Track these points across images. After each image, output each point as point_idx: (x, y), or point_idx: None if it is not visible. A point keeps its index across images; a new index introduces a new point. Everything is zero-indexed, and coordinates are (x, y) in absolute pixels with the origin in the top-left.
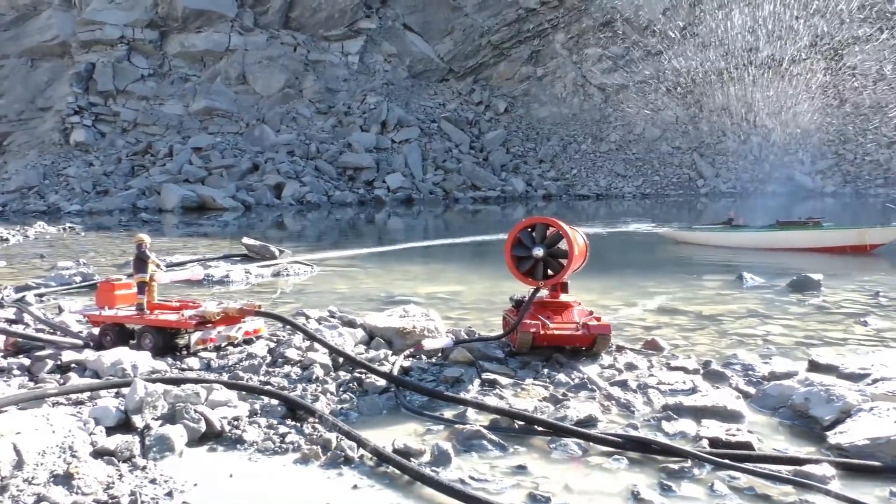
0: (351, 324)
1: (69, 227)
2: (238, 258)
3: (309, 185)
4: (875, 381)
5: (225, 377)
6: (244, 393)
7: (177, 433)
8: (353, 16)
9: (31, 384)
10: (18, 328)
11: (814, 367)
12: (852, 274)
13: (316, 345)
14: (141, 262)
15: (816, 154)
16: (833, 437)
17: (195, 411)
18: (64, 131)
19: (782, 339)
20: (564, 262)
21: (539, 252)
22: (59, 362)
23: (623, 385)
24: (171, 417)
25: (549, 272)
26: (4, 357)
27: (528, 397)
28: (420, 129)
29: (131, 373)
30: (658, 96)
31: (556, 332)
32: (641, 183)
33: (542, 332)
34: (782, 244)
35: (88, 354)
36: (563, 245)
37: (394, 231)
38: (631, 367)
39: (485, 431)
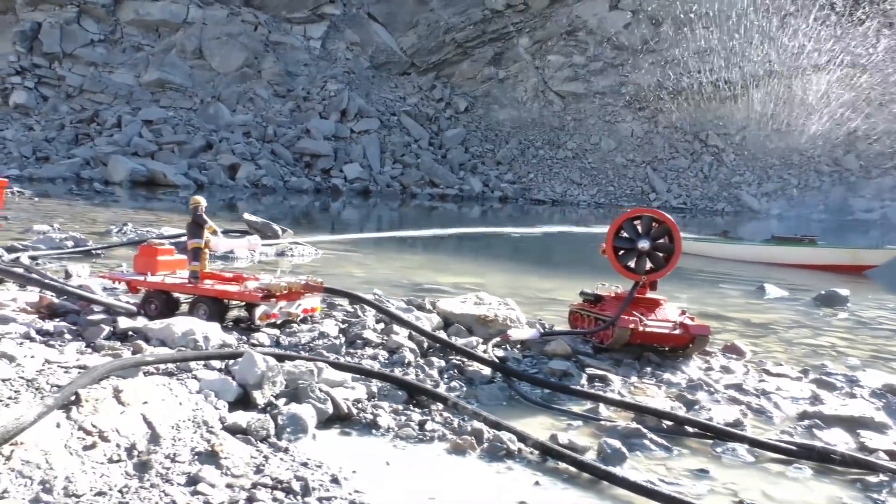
0: (420, 307)
1: (18, 192)
2: (237, 234)
3: (265, 168)
4: None
5: (305, 356)
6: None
7: (307, 413)
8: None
9: (90, 350)
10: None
11: None
12: (859, 292)
13: (395, 327)
14: (196, 227)
15: (763, 177)
16: None
17: (320, 390)
18: (3, 91)
19: (851, 352)
20: (667, 256)
21: (645, 244)
22: (113, 329)
23: (739, 389)
24: (293, 395)
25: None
26: (40, 318)
27: (646, 395)
28: (380, 121)
29: (203, 344)
30: (616, 108)
31: (655, 330)
32: (596, 192)
33: (639, 329)
34: (778, 259)
35: (149, 322)
36: (666, 239)
37: (350, 222)
38: (726, 370)
39: (644, 430)
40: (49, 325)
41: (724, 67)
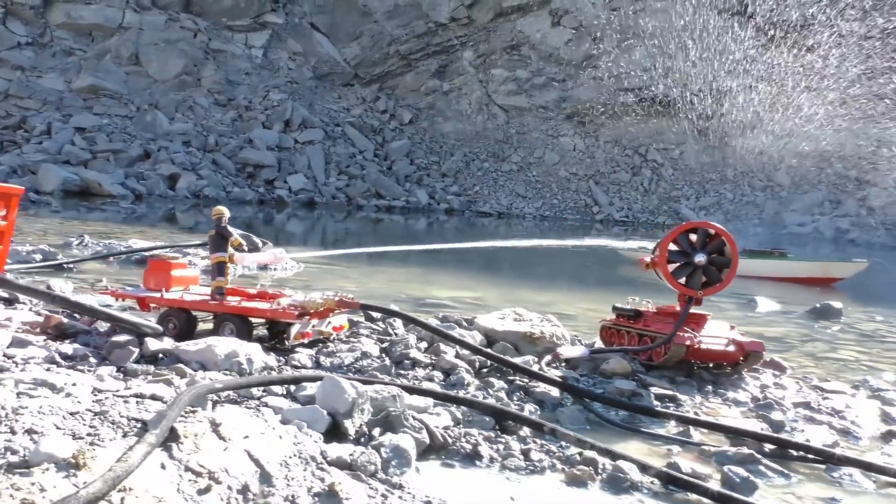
0: (458, 324)
1: None
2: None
3: (206, 178)
4: None
5: (385, 380)
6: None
7: (408, 444)
8: (260, 8)
9: (121, 374)
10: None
11: None
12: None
13: (442, 346)
14: (220, 240)
15: (700, 191)
16: None
17: (413, 418)
18: None
19: (879, 365)
20: (723, 271)
21: (702, 259)
22: (141, 351)
23: (808, 407)
24: (386, 424)
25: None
26: (46, 340)
27: (721, 416)
28: (324, 132)
29: (247, 367)
30: (558, 123)
31: (711, 347)
32: (541, 205)
33: (695, 345)
34: (752, 272)
35: (180, 343)
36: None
37: (294, 234)
38: (780, 386)
39: (758, 456)
40: (65, 348)
41: (662, 84)
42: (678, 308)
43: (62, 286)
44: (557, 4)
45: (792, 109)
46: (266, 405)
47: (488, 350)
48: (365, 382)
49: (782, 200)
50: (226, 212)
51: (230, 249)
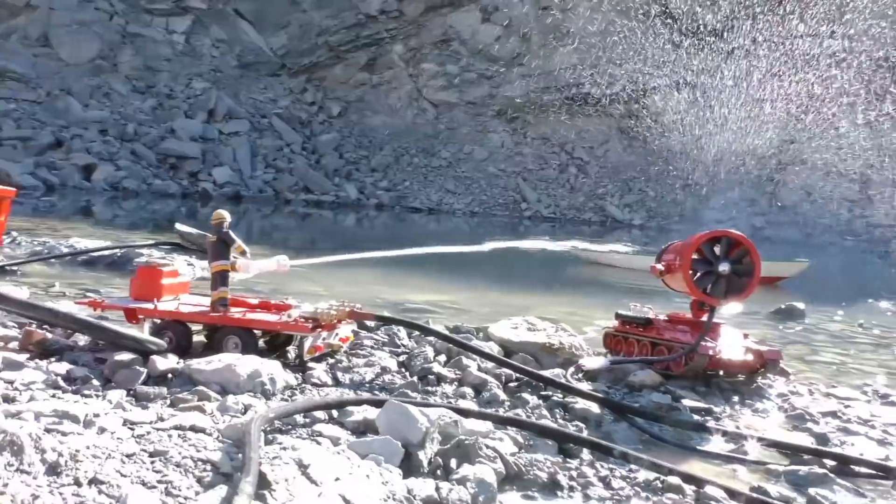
0: (470, 334)
1: None
2: (168, 247)
3: (125, 169)
4: None
5: (442, 404)
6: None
7: (489, 476)
8: None
9: (132, 398)
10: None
11: None
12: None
13: (465, 359)
14: (222, 247)
15: (624, 189)
16: None
17: (487, 447)
18: None
19: (865, 368)
20: (744, 280)
21: (725, 268)
22: (147, 371)
23: (835, 416)
24: (459, 454)
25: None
26: (31, 359)
27: (756, 429)
28: (250, 123)
29: (270, 388)
30: (486, 119)
31: (732, 356)
32: (471, 201)
33: (717, 355)
34: None
35: (192, 361)
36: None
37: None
38: (795, 394)
39: (831, 475)
40: (55, 367)
41: (588, 83)
42: (687, 316)
43: (19, 293)
44: (487, 1)
45: (709, 112)
46: (321, 434)
47: (531, 370)
48: (417, 405)
49: (701, 199)
50: (227, 216)
51: (232, 257)
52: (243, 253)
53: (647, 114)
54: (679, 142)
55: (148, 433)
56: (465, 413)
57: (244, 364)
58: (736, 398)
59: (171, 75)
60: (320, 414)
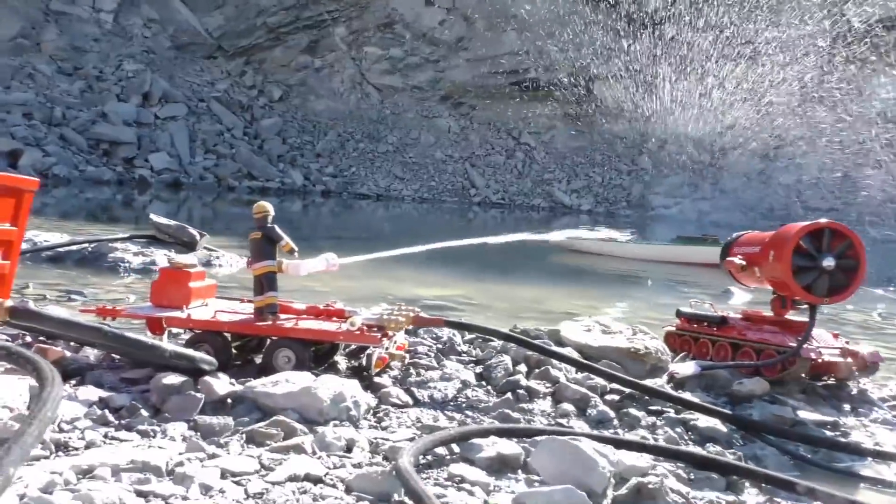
0: (539, 338)
1: None
2: (143, 240)
3: (55, 155)
4: None
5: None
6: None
7: None
8: None
9: (196, 434)
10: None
11: None
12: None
13: (552, 369)
14: (267, 245)
15: (571, 174)
16: None
17: (672, 490)
18: None
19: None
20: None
21: (830, 263)
22: (202, 395)
23: None
24: (641, 498)
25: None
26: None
27: None
28: (187, 107)
29: (356, 413)
30: (432, 104)
31: (834, 359)
32: (419, 187)
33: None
34: (686, 258)
35: (256, 383)
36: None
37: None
38: (883, 398)
39: None
40: (86, 393)
41: (533, 69)
42: (765, 314)
43: (60, 311)
44: None
45: (653, 97)
46: (462, 479)
47: (653, 387)
48: (552, 434)
49: (646, 184)
50: (270, 208)
51: (278, 256)
52: (291, 251)
53: (591, 99)
54: (623, 127)
55: (266, 492)
56: (623, 445)
57: (325, 385)
58: (847, 407)
59: (100, 56)
60: (440, 449)
